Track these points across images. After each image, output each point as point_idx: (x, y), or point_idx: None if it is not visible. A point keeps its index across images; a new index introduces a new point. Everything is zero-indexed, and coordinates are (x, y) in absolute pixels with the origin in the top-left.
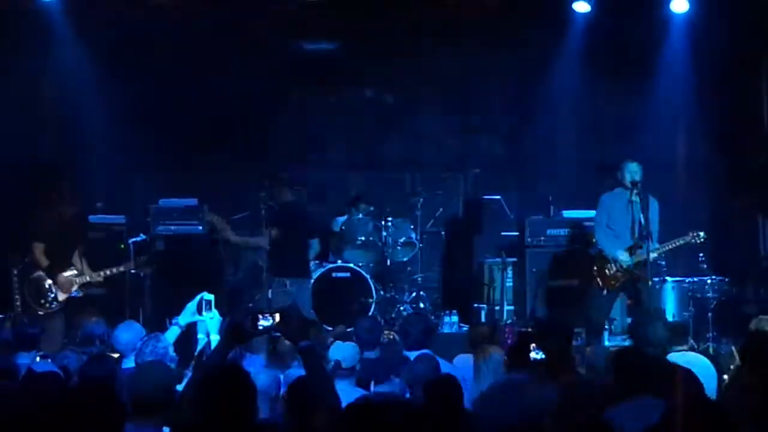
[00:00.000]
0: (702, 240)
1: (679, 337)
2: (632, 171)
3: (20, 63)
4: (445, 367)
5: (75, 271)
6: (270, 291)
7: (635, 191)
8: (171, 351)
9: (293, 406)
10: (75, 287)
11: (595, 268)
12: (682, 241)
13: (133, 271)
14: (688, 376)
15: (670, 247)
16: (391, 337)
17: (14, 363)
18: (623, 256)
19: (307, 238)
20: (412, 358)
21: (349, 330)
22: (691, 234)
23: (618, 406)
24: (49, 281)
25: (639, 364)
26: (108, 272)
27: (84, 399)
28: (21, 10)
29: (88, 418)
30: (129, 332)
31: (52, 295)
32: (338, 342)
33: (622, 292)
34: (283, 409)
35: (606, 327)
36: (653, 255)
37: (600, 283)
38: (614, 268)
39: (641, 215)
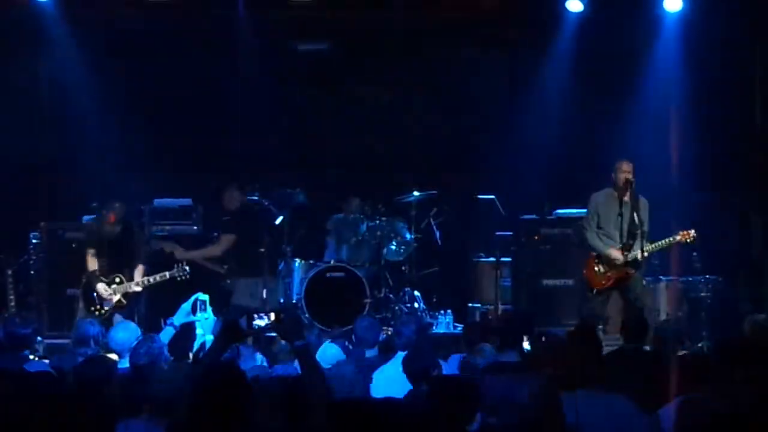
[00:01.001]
0: (693, 238)
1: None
2: (625, 170)
3: (16, 63)
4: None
5: (118, 280)
6: (234, 295)
7: (627, 191)
8: (165, 351)
9: (288, 405)
10: (116, 297)
11: (584, 268)
12: (673, 240)
13: (178, 278)
14: None
15: (662, 246)
16: (389, 332)
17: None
18: (616, 254)
19: (263, 237)
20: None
21: (345, 329)
22: (682, 233)
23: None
24: (95, 289)
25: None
26: (146, 281)
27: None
28: (16, 10)
29: (80, 418)
30: (125, 332)
31: (98, 302)
32: (327, 342)
33: (614, 291)
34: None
35: (600, 327)
36: (645, 254)
37: (590, 283)
38: (604, 269)
39: (633, 215)
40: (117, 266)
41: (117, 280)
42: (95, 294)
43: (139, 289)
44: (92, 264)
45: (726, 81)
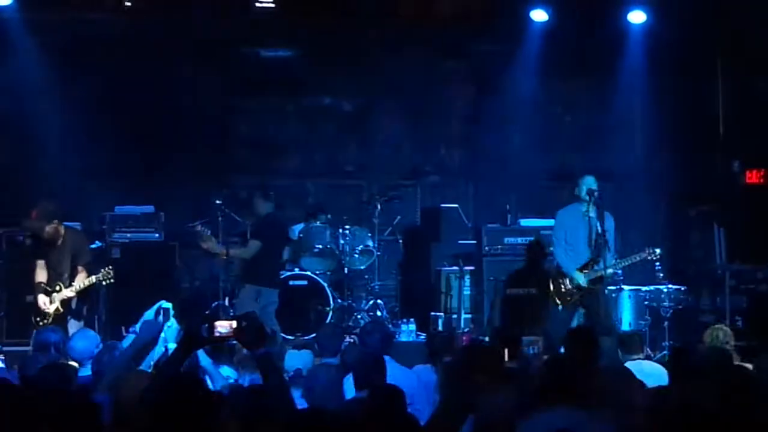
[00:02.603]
0: (658, 257)
1: (635, 346)
2: (589, 184)
3: None
4: (405, 374)
5: (58, 288)
6: (238, 298)
7: (591, 204)
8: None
9: (248, 415)
10: (54, 305)
11: (551, 284)
12: (638, 258)
13: (104, 282)
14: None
15: (627, 263)
16: (352, 340)
17: None
18: (579, 278)
19: (284, 248)
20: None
21: (306, 338)
22: (647, 250)
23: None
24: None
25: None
26: (78, 286)
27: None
28: None
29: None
30: (84, 340)
31: (42, 315)
32: (292, 351)
33: (580, 307)
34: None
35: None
36: (609, 270)
37: (556, 299)
38: (569, 285)
39: (598, 229)
40: (61, 273)
41: (57, 288)
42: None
43: (72, 294)
44: (40, 276)
45: (689, 93)
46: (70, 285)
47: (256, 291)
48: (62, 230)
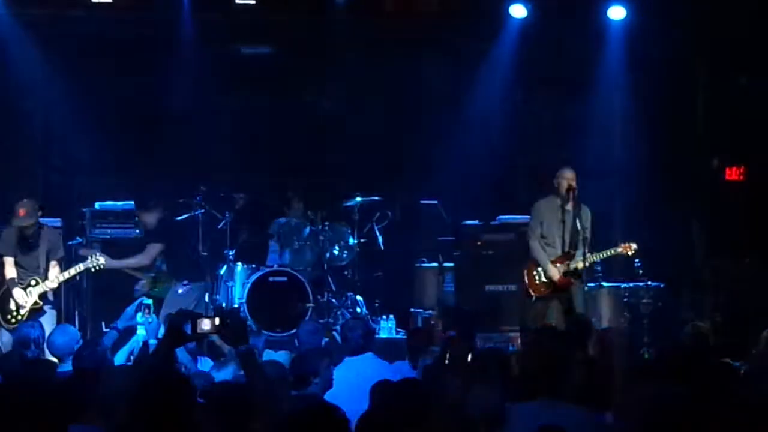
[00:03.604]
0: (634, 251)
1: None
2: (568, 178)
3: None
4: (387, 369)
5: (34, 282)
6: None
7: (570, 198)
8: (109, 355)
9: (230, 412)
10: (32, 299)
11: (525, 275)
12: (614, 252)
13: (92, 269)
14: None
15: (603, 256)
16: (332, 335)
17: None
18: (553, 271)
19: (193, 243)
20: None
21: (284, 335)
22: (623, 245)
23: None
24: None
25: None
26: (62, 277)
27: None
28: None
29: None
30: (64, 336)
31: (15, 310)
32: (269, 351)
33: (555, 299)
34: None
35: None
36: (586, 264)
37: (530, 290)
38: (543, 276)
39: (575, 222)
40: (34, 268)
41: (33, 282)
42: (12, 302)
43: (54, 285)
44: (10, 272)
45: (669, 89)
46: (46, 279)
47: (179, 286)
48: (41, 227)
